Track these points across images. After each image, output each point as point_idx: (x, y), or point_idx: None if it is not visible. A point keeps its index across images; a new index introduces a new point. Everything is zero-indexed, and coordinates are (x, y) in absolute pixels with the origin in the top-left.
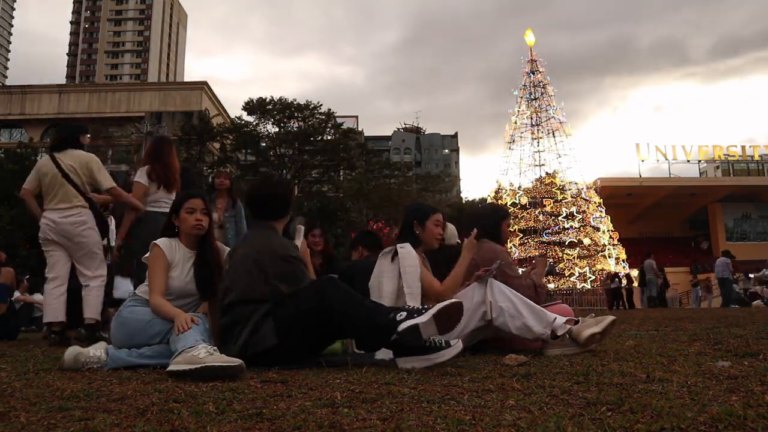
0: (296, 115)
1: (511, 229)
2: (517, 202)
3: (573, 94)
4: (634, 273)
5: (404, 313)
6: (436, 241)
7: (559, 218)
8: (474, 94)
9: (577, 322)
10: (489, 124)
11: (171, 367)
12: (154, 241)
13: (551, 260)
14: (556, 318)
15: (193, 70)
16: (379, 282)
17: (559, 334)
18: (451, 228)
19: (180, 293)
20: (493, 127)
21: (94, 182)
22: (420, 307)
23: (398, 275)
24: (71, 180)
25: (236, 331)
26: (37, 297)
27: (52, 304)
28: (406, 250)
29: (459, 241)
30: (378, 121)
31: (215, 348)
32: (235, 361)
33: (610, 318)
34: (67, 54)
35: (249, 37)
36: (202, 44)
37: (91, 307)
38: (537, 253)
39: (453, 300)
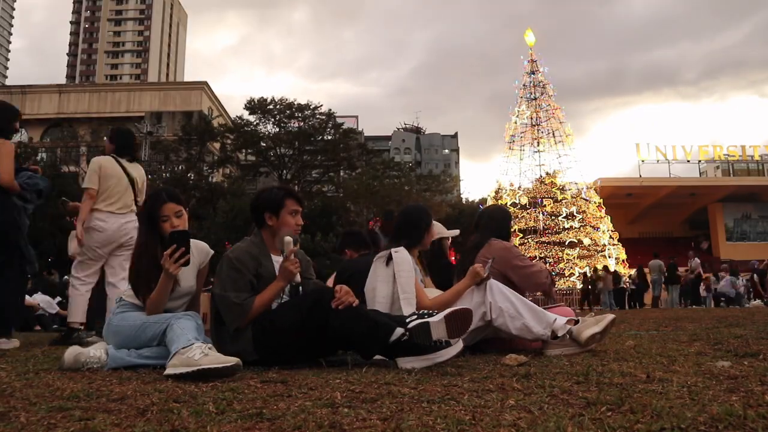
0: (297, 115)
1: (511, 230)
2: (517, 202)
3: (576, 114)
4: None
5: (415, 315)
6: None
7: (559, 218)
8: (483, 113)
9: (577, 322)
10: (494, 140)
11: (168, 371)
12: None
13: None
14: (556, 318)
15: (234, 94)
16: (373, 287)
17: (559, 335)
18: (437, 225)
19: (179, 294)
20: (498, 144)
21: (138, 195)
22: (432, 312)
23: (393, 280)
24: (134, 187)
25: (222, 333)
26: (38, 297)
27: (83, 306)
28: (400, 254)
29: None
30: (382, 124)
31: (210, 346)
32: (231, 360)
33: (610, 317)
34: (67, 54)
35: (294, 67)
36: (246, 73)
37: None
38: (536, 254)
39: (463, 306)
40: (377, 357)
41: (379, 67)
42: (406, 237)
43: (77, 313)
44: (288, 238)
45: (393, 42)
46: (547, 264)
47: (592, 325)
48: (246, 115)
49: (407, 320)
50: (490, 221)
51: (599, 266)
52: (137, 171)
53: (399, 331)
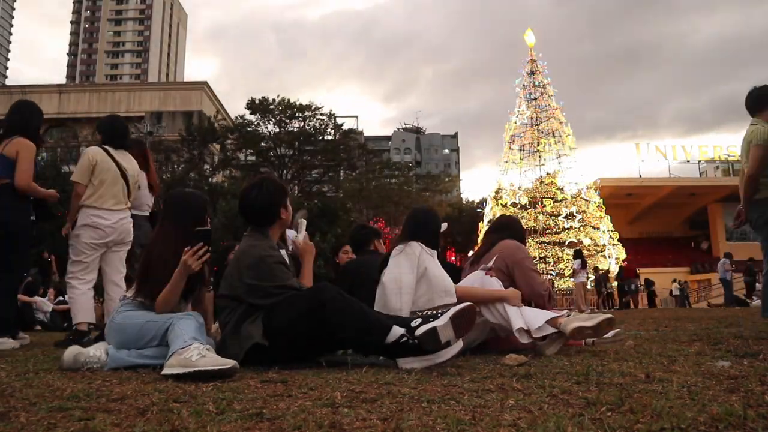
0: (297, 115)
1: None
2: (517, 202)
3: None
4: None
5: (419, 320)
6: None
7: (559, 218)
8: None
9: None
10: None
11: (164, 371)
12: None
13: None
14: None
15: None
16: (397, 278)
17: (537, 335)
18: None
19: None
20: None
21: (132, 189)
22: (435, 312)
23: (417, 269)
24: (128, 181)
25: (224, 328)
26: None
27: (87, 305)
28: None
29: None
30: (382, 125)
31: (209, 347)
32: (228, 363)
33: (605, 315)
34: (67, 54)
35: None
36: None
37: None
38: (536, 254)
39: (466, 303)
40: (379, 358)
41: (429, 112)
42: (420, 238)
43: (82, 314)
44: (302, 220)
45: (456, 96)
46: (548, 264)
47: (583, 319)
48: (247, 114)
49: (413, 325)
50: (504, 228)
51: (601, 266)
52: (128, 162)
53: (397, 332)
